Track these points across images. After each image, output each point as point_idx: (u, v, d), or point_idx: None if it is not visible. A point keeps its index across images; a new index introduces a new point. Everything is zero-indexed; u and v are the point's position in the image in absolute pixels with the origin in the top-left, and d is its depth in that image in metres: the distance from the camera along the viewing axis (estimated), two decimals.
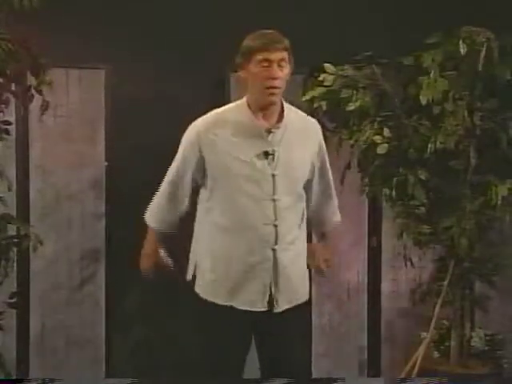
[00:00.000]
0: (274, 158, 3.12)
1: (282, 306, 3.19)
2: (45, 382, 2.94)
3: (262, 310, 3.17)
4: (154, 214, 3.39)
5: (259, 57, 3.05)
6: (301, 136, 3.20)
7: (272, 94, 3.08)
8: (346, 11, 4.93)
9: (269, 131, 3.13)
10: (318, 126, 3.33)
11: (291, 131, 3.17)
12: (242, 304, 3.16)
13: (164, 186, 3.32)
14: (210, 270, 3.20)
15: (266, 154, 3.11)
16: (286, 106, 3.20)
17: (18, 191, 4.71)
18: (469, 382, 3.76)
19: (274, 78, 3.05)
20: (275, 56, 3.04)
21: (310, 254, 3.37)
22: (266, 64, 3.05)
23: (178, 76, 4.88)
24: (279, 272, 3.17)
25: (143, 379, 3.00)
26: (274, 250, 3.15)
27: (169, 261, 3.45)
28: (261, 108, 3.13)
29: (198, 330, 3.29)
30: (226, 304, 3.17)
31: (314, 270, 3.45)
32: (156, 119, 4.82)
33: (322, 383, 3.51)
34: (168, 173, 3.30)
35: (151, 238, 3.44)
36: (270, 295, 3.17)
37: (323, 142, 3.33)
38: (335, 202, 3.50)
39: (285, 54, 3.07)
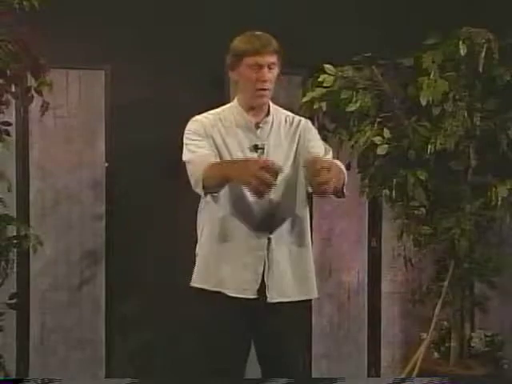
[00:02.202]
0: (263, 152, 3.23)
1: (273, 296, 3.20)
2: (44, 382, 2.95)
3: (252, 297, 3.18)
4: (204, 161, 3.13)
5: (250, 61, 3.17)
6: (287, 131, 3.31)
7: (262, 95, 3.22)
8: (345, 12, 4.93)
9: (257, 126, 3.26)
10: (307, 121, 3.39)
11: (278, 126, 3.30)
12: (232, 290, 3.19)
13: (192, 155, 3.18)
14: (205, 256, 3.25)
15: (256, 148, 3.23)
16: (272, 105, 3.33)
17: (17, 192, 4.71)
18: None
19: (264, 81, 3.19)
20: (265, 60, 3.17)
21: (308, 169, 2.97)
22: (256, 67, 3.17)
23: (178, 77, 4.88)
24: (272, 261, 3.20)
25: (143, 380, 2.98)
26: (269, 238, 3.20)
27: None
28: (251, 107, 3.27)
29: (197, 331, 3.29)
30: (216, 289, 3.19)
31: (314, 190, 3.01)
32: (156, 120, 4.82)
33: (322, 383, 3.51)
34: (188, 150, 3.20)
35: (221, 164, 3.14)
36: (262, 284, 3.19)
37: (314, 130, 3.38)
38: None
39: (274, 58, 3.19)
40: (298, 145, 3.30)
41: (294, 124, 3.34)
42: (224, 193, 3.18)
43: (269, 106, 3.30)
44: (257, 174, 2.80)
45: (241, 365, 3.25)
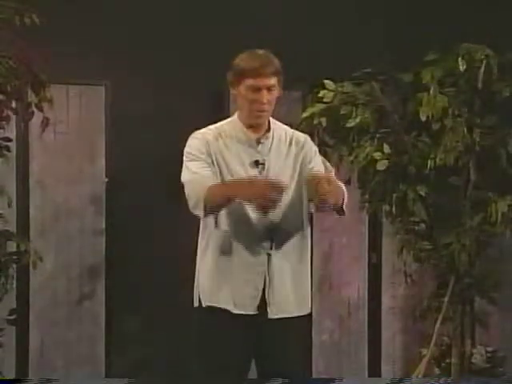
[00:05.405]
0: (264, 167, 3.21)
1: (273, 312, 3.20)
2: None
3: (252, 313, 3.17)
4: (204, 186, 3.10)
5: (249, 82, 3.13)
6: (289, 147, 3.29)
7: (259, 116, 3.19)
8: (345, 28, 4.95)
9: (258, 141, 3.24)
10: (307, 139, 3.37)
11: (278, 142, 3.27)
12: (236, 307, 3.18)
13: (192, 176, 3.14)
14: (207, 273, 3.23)
15: (257, 163, 3.21)
16: (272, 120, 3.30)
17: (17, 207, 4.70)
18: None
19: (263, 103, 3.15)
20: (264, 83, 3.12)
21: (309, 183, 3.07)
22: (255, 89, 3.13)
23: (178, 91, 4.89)
24: (273, 277, 3.19)
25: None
26: (269, 254, 3.19)
27: None
28: (250, 125, 3.24)
29: (197, 346, 3.29)
30: (222, 307, 3.18)
31: (315, 203, 3.12)
32: (156, 135, 4.83)
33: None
34: (188, 170, 3.16)
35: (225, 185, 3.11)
36: (263, 300, 3.19)
37: (314, 148, 3.35)
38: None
39: (274, 80, 3.14)
40: (301, 164, 3.27)
41: (295, 141, 3.30)
42: (225, 210, 3.16)
43: (269, 122, 3.28)
44: (263, 191, 2.93)
45: (241, 380, 3.24)
